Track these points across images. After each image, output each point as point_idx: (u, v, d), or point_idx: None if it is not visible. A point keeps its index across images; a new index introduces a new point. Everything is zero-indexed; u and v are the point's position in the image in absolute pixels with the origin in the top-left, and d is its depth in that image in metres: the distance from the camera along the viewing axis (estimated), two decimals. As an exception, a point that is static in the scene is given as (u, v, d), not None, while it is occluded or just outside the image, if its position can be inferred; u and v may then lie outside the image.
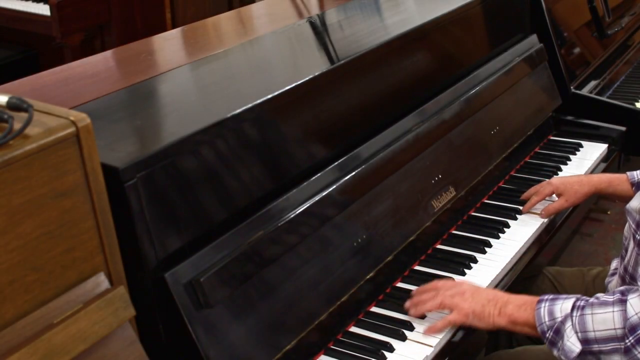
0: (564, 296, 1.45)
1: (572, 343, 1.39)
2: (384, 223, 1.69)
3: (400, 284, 1.71)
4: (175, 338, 1.30)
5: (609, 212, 2.64)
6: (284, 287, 1.44)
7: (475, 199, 2.05)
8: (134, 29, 3.93)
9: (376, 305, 1.64)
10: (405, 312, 1.60)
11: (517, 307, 1.49)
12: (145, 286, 1.27)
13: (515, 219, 1.97)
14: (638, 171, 1.88)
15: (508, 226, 1.93)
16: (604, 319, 1.37)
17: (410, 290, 1.68)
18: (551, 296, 1.47)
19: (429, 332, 1.53)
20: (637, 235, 1.53)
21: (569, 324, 1.40)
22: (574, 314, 1.40)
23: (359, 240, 1.61)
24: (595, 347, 1.37)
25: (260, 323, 1.38)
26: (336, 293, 1.55)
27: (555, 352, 1.43)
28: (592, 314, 1.38)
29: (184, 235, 1.33)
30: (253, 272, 1.39)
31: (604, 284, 1.82)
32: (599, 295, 1.43)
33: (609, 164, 2.35)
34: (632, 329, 1.33)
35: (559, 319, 1.41)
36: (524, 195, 2.03)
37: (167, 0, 4.00)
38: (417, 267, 1.78)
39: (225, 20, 2.28)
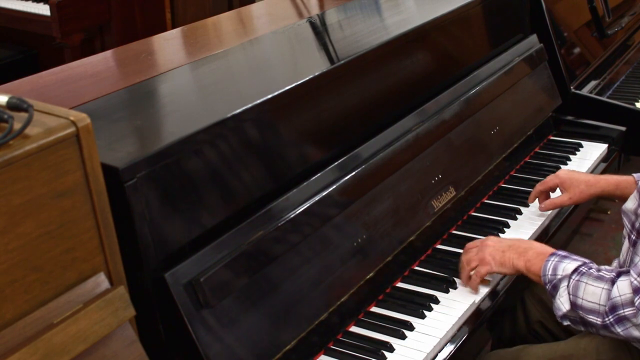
0: (574, 257, 1.53)
1: (561, 302, 1.49)
2: (384, 223, 1.69)
3: (400, 284, 1.71)
4: (175, 338, 1.30)
5: (609, 212, 2.64)
6: (284, 287, 1.44)
7: (475, 199, 2.05)
8: (134, 29, 3.93)
9: (376, 305, 1.64)
10: (405, 312, 1.60)
11: (536, 255, 1.58)
12: (145, 286, 1.27)
13: (515, 219, 1.97)
14: None
15: (508, 226, 1.93)
16: (593, 291, 1.45)
17: (410, 290, 1.68)
18: (563, 253, 1.55)
19: (471, 284, 1.65)
20: (632, 236, 1.54)
21: (564, 284, 1.49)
22: (573, 277, 1.48)
23: (359, 240, 1.61)
24: (580, 313, 1.47)
25: (260, 323, 1.38)
26: (336, 293, 1.55)
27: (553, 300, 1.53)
28: (586, 283, 1.46)
29: (184, 235, 1.33)
30: (253, 272, 1.39)
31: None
32: (602, 267, 1.49)
33: (609, 164, 2.35)
34: (612, 309, 1.41)
35: (559, 277, 1.50)
36: (531, 198, 2.02)
37: (167, 0, 4.00)
38: (417, 267, 1.78)
39: (225, 20, 2.28)
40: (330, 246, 1.55)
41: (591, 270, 1.48)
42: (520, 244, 1.63)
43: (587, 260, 1.53)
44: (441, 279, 1.72)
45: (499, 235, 1.88)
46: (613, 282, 1.44)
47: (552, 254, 1.55)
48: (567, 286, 1.49)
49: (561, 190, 1.96)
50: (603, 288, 1.44)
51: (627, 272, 1.44)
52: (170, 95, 1.62)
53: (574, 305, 1.48)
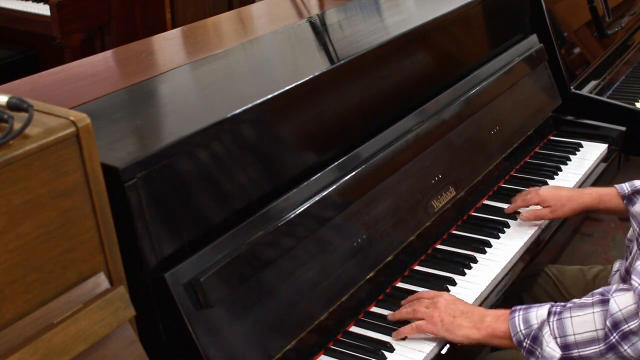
0: (537, 305, 1.43)
1: (551, 348, 1.36)
2: (384, 223, 1.69)
3: (400, 284, 1.71)
4: (175, 338, 1.30)
5: (609, 212, 2.64)
6: (284, 287, 1.44)
7: (475, 199, 2.05)
8: (134, 29, 3.93)
9: (376, 305, 1.64)
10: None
11: (495, 319, 1.46)
12: (145, 286, 1.27)
13: (515, 219, 1.97)
14: (626, 184, 1.81)
15: (508, 226, 1.93)
16: (584, 320, 1.35)
17: (410, 290, 1.68)
18: (524, 305, 1.44)
19: (396, 335, 1.52)
20: None
21: (546, 329, 1.38)
22: (551, 319, 1.38)
23: (359, 240, 1.61)
24: (575, 352, 1.36)
25: (260, 323, 1.38)
26: (336, 293, 1.55)
27: None
28: (571, 317, 1.37)
29: (184, 235, 1.33)
30: (253, 272, 1.39)
31: (606, 283, 1.82)
32: (574, 300, 1.41)
33: (609, 164, 2.35)
34: (615, 325, 1.32)
35: (536, 326, 1.39)
36: (509, 208, 1.97)
37: (167, 0, 4.00)
38: (417, 267, 1.78)
39: (225, 20, 2.28)
40: (330, 246, 1.55)
41: (567, 304, 1.40)
42: (474, 312, 1.50)
43: (551, 302, 1.44)
44: (441, 278, 1.72)
45: (498, 235, 1.88)
46: (603, 302, 1.36)
47: (513, 311, 1.45)
48: (551, 330, 1.38)
49: (543, 207, 1.91)
50: (594, 312, 1.36)
51: (614, 288, 1.38)
52: (170, 95, 1.62)
53: (565, 347, 1.37)
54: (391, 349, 1.50)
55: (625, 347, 1.32)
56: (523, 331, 1.40)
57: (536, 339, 1.38)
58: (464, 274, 1.74)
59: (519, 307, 1.45)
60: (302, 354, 1.47)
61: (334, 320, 1.54)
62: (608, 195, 1.86)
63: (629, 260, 1.61)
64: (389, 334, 1.54)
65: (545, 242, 1.94)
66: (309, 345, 1.49)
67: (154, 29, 3.74)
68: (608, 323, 1.33)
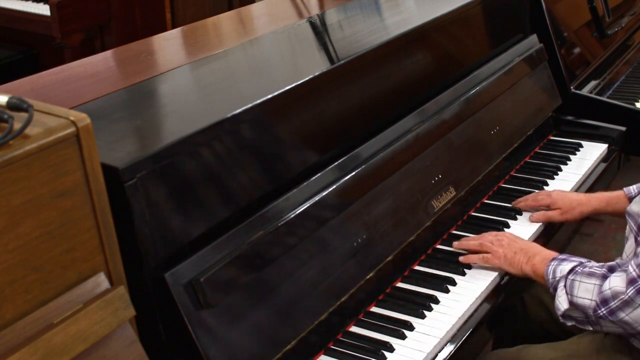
0: (572, 258, 1.61)
1: (560, 302, 1.55)
2: (383, 223, 1.69)
3: (400, 284, 1.71)
4: (175, 338, 1.30)
5: (609, 212, 2.64)
6: (284, 287, 1.44)
7: (475, 199, 2.05)
8: (134, 29, 3.93)
9: (376, 305, 1.64)
10: (405, 312, 1.60)
11: (541, 259, 1.66)
12: (145, 286, 1.27)
13: (515, 219, 1.97)
14: (634, 186, 1.88)
15: (508, 226, 1.93)
16: (586, 288, 1.52)
17: (410, 291, 1.68)
18: (564, 256, 1.63)
19: (466, 260, 1.74)
20: (638, 238, 1.55)
21: (562, 284, 1.56)
22: (569, 276, 1.56)
23: (359, 240, 1.61)
24: (575, 312, 1.54)
25: (260, 323, 1.38)
26: (336, 293, 1.55)
27: None
28: (580, 281, 1.53)
29: (184, 235, 1.33)
30: (253, 272, 1.39)
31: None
32: (594, 264, 1.57)
33: (609, 164, 2.35)
34: (604, 301, 1.48)
35: (557, 278, 1.58)
36: (519, 202, 2.01)
37: (167, 0, 4.00)
38: (417, 267, 1.78)
39: (225, 20, 2.28)
40: (330, 246, 1.55)
41: (585, 269, 1.55)
42: (530, 249, 1.71)
43: (583, 260, 1.59)
44: (441, 278, 1.72)
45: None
46: (604, 276, 1.50)
47: (554, 259, 1.63)
48: (565, 286, 1.55)
49: (553, 209, 1.96)
50: (595, 284, 1.51)
51: (619, 267, 1.51)
52: (170, 95, 1.62)
53: (571, 303, 1.54)
54: (391, 349, 1.50)
55: (611, 318, 1.47)
56: (550, 280, 1.60)
57: (555, 289, 1.58)
58: (464, 273, 1.74)
59: (560, 256, 1.63)
60: (302, 354, 1.46)
61: (334, 320, 1.54)
62: (616, 198, 1.92)
63: (624, 257, 1.62)
64: (389, 334, 1.54)
65: (545, 242, 1.94)
66: (309, 345, 1.49)
67: (154, 29, 3.74)
68: (598, 298, 1.49)
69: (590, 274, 1.53)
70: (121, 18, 3.87)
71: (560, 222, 1.98)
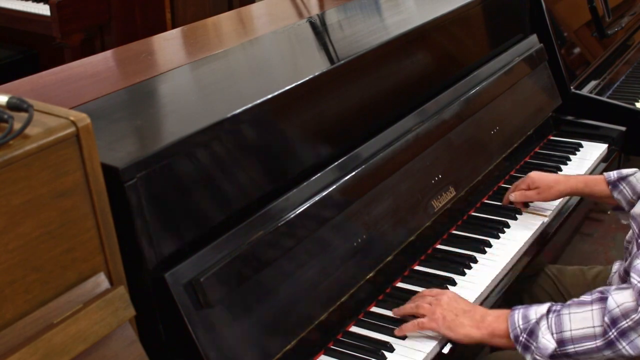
0: (538, 304, 1.45)
1: (547, 340, 1.38)
2: (383, 223, 1.69)
3: (400, 284, 1.71)
4: (175, 338, 1.30)
5: (609, 212, 2.63)
6: (284, 287, 1.44)
7: (475, 199, 2.05)
8: (134, 29, 3.93)
9: (376, 305, 1.64)
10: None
11: (496, 318, 1.48)
12: (145, 286, 1.27)
13: (515, 219, 1.97)
14: (614, 171, 1.87)
15: (508, 226, 1.93)
16: (582, 317, 1.37)
17: (411, 291, 1.68)
18: (524, 305, 1.47)
19: (398, 332, 1.53)
20: (639, 240, 1.53)
21: (544, 323, 1.40)
22: (550, 315, 1.41)
23: (359, 240, 1.61)
24: (571, 348, 1.38)
25: (260, 323, 1.38)
26: (336, 293, 1.55)
27: (528, 358, 1.41)
28: (569, 313, 1.39)
29: (184, 235, 1.33)
30: (253, 272, 1.39)
31: (606, 283, 1.82)
32: (574, 299, 1.43)
33: (609, 164, 2.35)
34: (614, 322, 1.34)
35: (534, 320, 1.41)
36: (507, 196, 2.02)
37: (167, 0, 4.00)
38: (417, 267, 1.78)
39: (225, 20, 2.28)
40: (330, 246, 1.55)
41: (567, 303, 1.42)
42: (476, 311, 1.51)
43: (551, 302, 1.46)
44: (441, 278, 1.72)
45: (498, 235, 1.88)
46: (601, 299, 1.38)
47: (513, 309, 1.47)
48: (548, 325, 1.40)
49: (532, 189, 1.97)
50: (592, 310, 1.38)
51: (613, 288, 1.40)
52: (170, 95, 1.62)
53: (560, 342, 1.39)
54: (391, 349, 1.50)
55: (624, 344, 1.33)
56: (521, 326, 1.42)
57: (532, 332, 1.40)
58: (464, 274, 1.74)
59: (519, 306, 1.47)
60: (302, 354, 1.47)
61: (334, 320, 1.54)
62: (594, 180, 1.92)
63: (628, 261, 1.61)
64: (389, 334, 1.54)
65: (545, 242, 1.94)
66: (309, 345, 1.49)
67: (154, 29, 3.74)
68: (607, 319, 1.34)
69: (581, 303, 1.40)
70: (121, 18, 3.88)
71: (537, 200, 1.97)
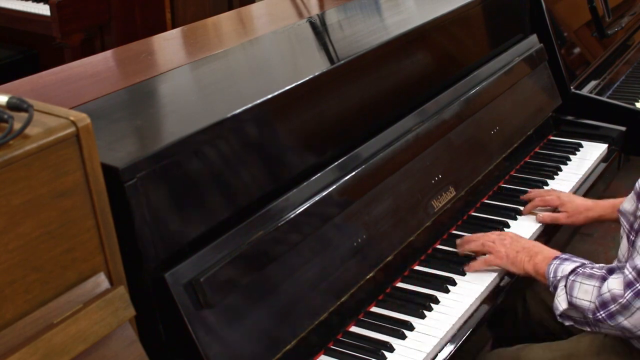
0: (574, 259, 1.61)
1: (559, 302, 1.56)
2: (384, 223, 1.69)
3: (400, 284, 1.71)
4: (175, 338, 1.30)
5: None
6: (284, 286, 1.44)
7: (475, 199, 2.05)
8: (134, 29, 3.93)
9: (376, 305, 1.64)
10: (405, 312, 1.60)
11: (543, 258, 1.66)
12: (145, 286, 1.27)
13: (515, 219, 1.97)
14: None
15: (508, 226, 1.93)
16: (586, 289, 1.51)
17: (411, 291, 1.68)
18: (566, 256, 1.63)
19: (469, 269, 1.73)
20: (631, 236, 1.55)
21: (562, 284, 1.56)
22: (570, 277, 1.55)
23: (359, 240, 1.61)
24: (573, 313, 1.54)
25: (260, 323, 1.38)
26: (336, 293, 1.55)
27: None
28: (580, 282, 1.53)
29: (184, 235, 1.33)
30: (253, 272, 1.39)
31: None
32: (595, 266, 1.57)
33: (609, 164, 2.35)
34: (603, 304, 1.47)
35: (558, 278, 1.58)
36: (527, 195, 2.03)
37: (167, 0, 4.00)
38: (417, 267, 1.78)
39: (225, 20, 2.28)
40: (330, 246, 1.55)
41: (586, 270, 1.55)
42: (533, 248, 1.71)
43: (585, 261, 1.59)
44: (441, 278, 1.72)
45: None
46: (604, 278, 1.50)
47: (556, 257, 1.63)
48: (565, 286, 1.55)
49: (560, 210, 1.97)
50: (594, 285, 1.50)
51: (618, 269, 1.50)
52: (170, 95, 1.62)
53: (570, 304, 1.53)
54: (391, 349, 1.50)
55: (610, 323, 1.46)
56: (551, 278, 1.61)
57: (556, 288, 1.58)
58: (464, 273, 1.74)
59: (562, 255, 1.63)
60: (302, 354, 1.46)
61: (334, 320, 1.54)
62: (621, 202, 1.88)
63: (622, 257, 1.62)
64: (389, 334, 1.54)
65: (545, 242, 1.94)
66: (309, 345, 1.49)
67: (154, 29, 3.74)
68: (597, 301, 1.48)
69: (590, 276, 1.53)
70: (121, 18, 3.88)
71: (565, 224, 1.99)
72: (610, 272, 1.52)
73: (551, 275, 1.60)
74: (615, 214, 1.90)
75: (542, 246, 1.73)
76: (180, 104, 1.54)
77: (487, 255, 1.73)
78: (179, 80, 1.69)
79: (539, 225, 1.94)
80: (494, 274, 1.74)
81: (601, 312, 1.47)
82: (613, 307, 1.46)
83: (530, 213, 1.99)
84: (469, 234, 1.88)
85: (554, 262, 1.62)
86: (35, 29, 3.77)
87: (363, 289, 1.62)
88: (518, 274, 1.72)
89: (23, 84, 1.64)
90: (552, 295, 1.59)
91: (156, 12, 4.02)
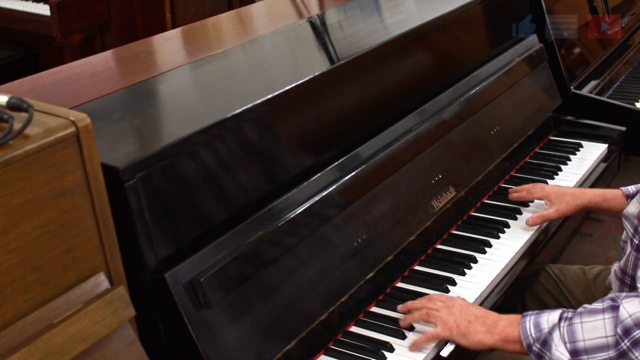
0: (549, 310, 1.43)
1: (560, 352, 1.36)
2: (384, 223, 1.69)
3: (400, 284, 1.71)
4: (175, 338, 1.30)
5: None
6: (284, 287, 1.44)
7: (475, 199, 2.05)
8: (134, 29, 3.94)
9: (376, 305, 1.64)
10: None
11: (509, 324, 1.45)
12: (145, 286, 1.27)
13: (515, 219, 1.97)
14: (632, 186, 1.85)
15: (508, 226, 1.93)
16: (594, 326, 1.35)
17: (410, 290, 1.68)
18: (535, 311, 1.45)
19: (413, 347, 1.50)
20: (635, 240, 1.53)
21: (556, 333, 1.38)
22: (562, 324, 1.38)
23: (359, 240, 1.61)
24: (584, 358, 1.35)
25: (260, 323, 1.38)
26: (336, 293, 1.55)
27: None
28: (581, 322, 1.36)
29: (184, 235, 1.33)
30: (253, 272, 1.39)
31: (605, 283, 1.82)
32: (585, 305, 1.41)
33: (609, 164, 2.35)
34: (626, 332, 1.31)
35: (546, 330, 1.39)
36: (513, 192, 2.02)
37: (167, 0, 4.00)
38: (417, 267, 1.78)
39: (225, 20, 2.28)
40: (330, 246, 1.55)
41: (578, 310, 1.39)
42: (488, 316, 1.49)
43: (563, 308, 1.44)
44: (441, 278, 1.72)
45: (498, 235, 1.88)
46: (613, 308, 1.35)
47: (524, 315, 1.45)
48: (561, 335, 1.37)
49: (547, 204, 1.95)
50: (604, 319, 1.35)
51: (624, 295, 1.37)
52: (170, 96, 1.62)
53: (574, 353, 1.35)
54: (391, 349, 1.50)
55: (637, 354, 1.31)
56: (533, 335, 1.40)
57: (545, 342, 1.38)
58: (464, 274, 1.74)
59: (530, 312, 1.45)
60: (302, 354, 1.46)
61: (334, 320, 1.54)
62: (612, 193, 1.89)
63: (623, 261, 1.62)
64: (389, 334, 1.54)
65: (545, 242, 1.94)
66: (309, 345, 1.49)
67: (154, 29, 3.74)
68: (619, 330, 1.32)
69: (592, 311, 1.36)
70: (121, 18, 3.88)
71: (556, 218, 1.95)
72: (614, 300, 1.37)
73: (532, 331, 1.40)
74: (605, 204, 1.89)
75: (496, 314, 1.51)
76: (181, 104, 1.54)
77: (432, 329, 1.51)
78: (179, 80, 1.69)
79: (538, 225, 1.94)
80: (495, 274, 1.74)
81: (625, 342, 1.30)
82: (638, 334, 1.30)
83: (517, 213, 1.97)
84: (469, 234, 1.88)
85: (526, 319, 1.43)
86: (35, 29, 3.77)
87: (363, 289, 1.62)
88: (467, 347, 1.48)
89: (23, 84, 1.64)
90: (539, 354, 1.39)
91: (156, 12, 4.02)
